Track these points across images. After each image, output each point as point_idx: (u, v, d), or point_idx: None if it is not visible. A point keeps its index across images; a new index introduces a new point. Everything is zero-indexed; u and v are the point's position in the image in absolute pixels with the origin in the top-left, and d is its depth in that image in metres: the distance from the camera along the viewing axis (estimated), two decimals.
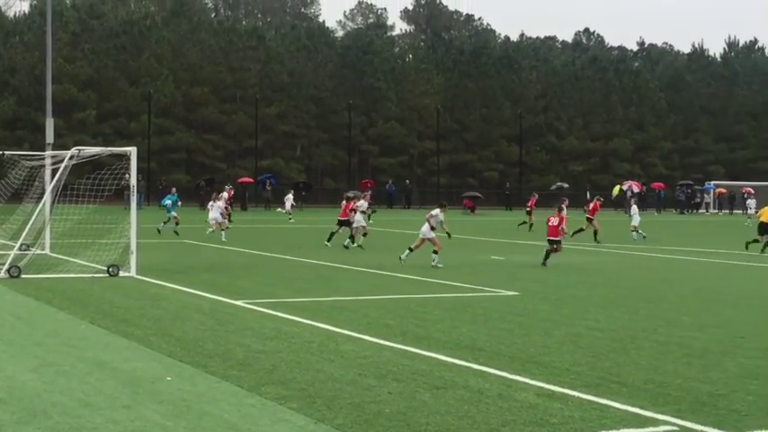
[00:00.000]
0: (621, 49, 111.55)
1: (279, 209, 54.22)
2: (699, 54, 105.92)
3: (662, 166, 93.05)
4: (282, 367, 10.98)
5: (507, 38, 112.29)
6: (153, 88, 74.22)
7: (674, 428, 8.69)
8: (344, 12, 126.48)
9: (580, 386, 10.21)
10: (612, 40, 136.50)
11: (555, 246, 25.87)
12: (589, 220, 37.20)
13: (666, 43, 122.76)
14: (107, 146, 32.38)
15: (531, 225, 43.84)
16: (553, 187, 79.69)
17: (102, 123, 75.46)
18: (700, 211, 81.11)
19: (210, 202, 36.26)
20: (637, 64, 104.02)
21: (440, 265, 24.03)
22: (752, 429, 8.73)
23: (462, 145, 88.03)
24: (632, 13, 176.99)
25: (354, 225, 31.28)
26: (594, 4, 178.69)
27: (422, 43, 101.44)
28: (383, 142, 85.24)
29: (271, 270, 23.39)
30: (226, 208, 42.04)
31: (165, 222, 36.37)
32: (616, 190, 74.15)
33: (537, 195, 50.05)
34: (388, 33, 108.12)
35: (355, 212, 31.55)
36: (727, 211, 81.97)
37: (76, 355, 11.74)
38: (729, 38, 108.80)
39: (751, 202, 62.93)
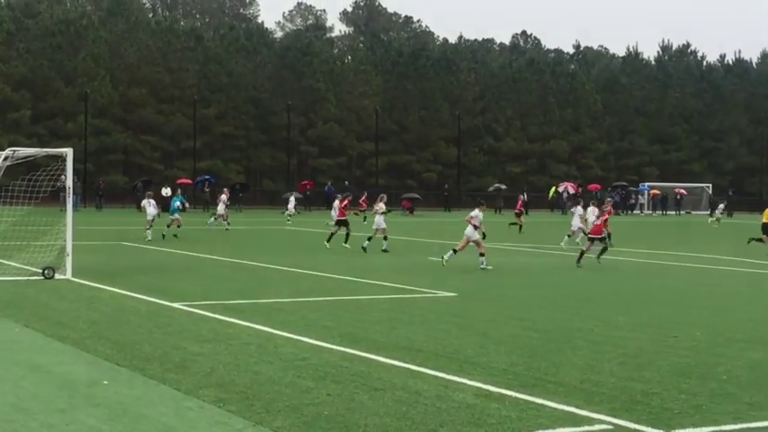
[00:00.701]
0: (558, 51, 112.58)
1: (285, 213, 54.18)
2: (633, 57, 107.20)
3: (598, 168, 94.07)
4: (220, 370, 10.95)
5: (446, 40, 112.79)
6: (89, 88, 73.34)
7: (609, 427, 8.81)
8: (283, 13, 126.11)
9: (517, 386, 10.31)
10: (549, 42, 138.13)
11: (597, 242, 27.33)
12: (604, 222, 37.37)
13: (602, 46, 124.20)
14: (42, 147, 31.99)
15: (520, 226, 44.38)
16: (491, 189, 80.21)
17: (37, 124, 74.38)
18: (634, 212, 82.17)
19: (145, 201, 36.21)
20: (573, 66, 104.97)
21: (489, 267, 24.28)
22: (684, 427, 8.89)
23: (401, 146, 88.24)
24: (568, 16, 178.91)
25: (375, 227, 31.41)
26: (531, 7, 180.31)
27: (361, 45, 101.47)
28: (322, 143, 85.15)
29: (208, 272, 23.28)
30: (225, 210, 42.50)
31: (168, 225, 35.67)
32: (552, 191, 74.88)
33: (523, 196, 50.79)
34: (327, 35, 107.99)
35: (374, 215, 32.02)
36: (661, 212, 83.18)
37: (10, 358, 11.59)
38: (663, 41, 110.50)
39: (721, 206, 63.13)
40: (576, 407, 9.45)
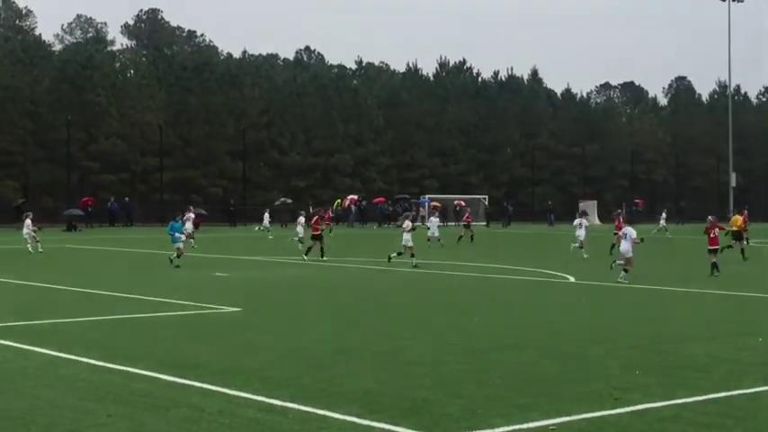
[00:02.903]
0: (341, 67, 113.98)
1: (259, 227, 58.50)
2: (413, 73, 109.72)
3: (381, 181, 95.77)
4: None
5: (230, 55, 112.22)
6: None
7: None
8: (62, 25, 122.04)
9: (301, 398, 10.46)
10: (332, 58, 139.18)
11: (716, 254, 28.46)
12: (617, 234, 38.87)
13: (383, 62, 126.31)
14: None
15: (472, 236, 47.75)
16: (277, 203, 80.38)
17: None
18: (416, 223, 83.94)
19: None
20: (355, 82, 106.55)
21: (625, 281, 25.01)
22: (462, 431, 9.26)
23: (186, 161, 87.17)
24: (350, 32, 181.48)
25: (403, 243, 32.06)
26: (314, 24, 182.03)
27: (143, 58, 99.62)
28: (104, 158, 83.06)
29: None
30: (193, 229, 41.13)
31: (177, 256, 30.79)
32: (336, 205, 75.73)
33: (470, 209, 52.99)
34: (109, 48, 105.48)
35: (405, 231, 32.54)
36: (442, 223, 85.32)
37: None
38: (441, 58, 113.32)
39: (663, 215, 65.08)
40: (358, 416, 9.67)
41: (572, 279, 27.24)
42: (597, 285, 25.45)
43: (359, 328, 16.40)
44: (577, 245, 37.28)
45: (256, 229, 58.98)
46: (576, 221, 38.80)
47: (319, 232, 34.42)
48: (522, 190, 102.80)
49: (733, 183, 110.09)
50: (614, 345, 14.63)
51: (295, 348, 14.07)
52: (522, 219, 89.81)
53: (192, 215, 42.21)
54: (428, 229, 45.72)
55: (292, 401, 10.29)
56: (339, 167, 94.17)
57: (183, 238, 32.47)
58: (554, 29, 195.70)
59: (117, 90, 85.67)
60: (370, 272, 30.15)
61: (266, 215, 59.70)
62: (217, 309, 19.15)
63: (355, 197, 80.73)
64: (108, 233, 59.73)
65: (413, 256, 31.59)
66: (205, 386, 11.11)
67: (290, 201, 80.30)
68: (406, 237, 32.17)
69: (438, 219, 48.12)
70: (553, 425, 9.46)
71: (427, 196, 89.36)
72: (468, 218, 51.58)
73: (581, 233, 37.43)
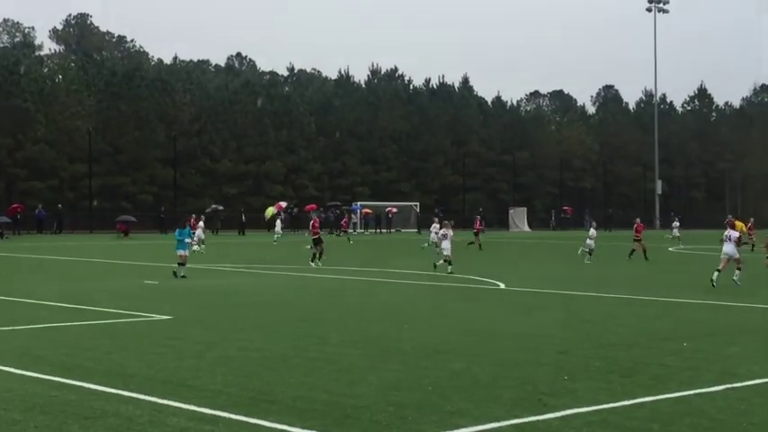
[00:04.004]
0: (273, 73, 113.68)
1: (276, 236, 60.29)
2: (345, 80, 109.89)
3: (312, 188, 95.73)
4: None
5: (161, 60, 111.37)
6: None
7: None
8: None
9: (231, 407, 10.41)
10: (264, 64, 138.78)
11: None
12: (637, 240, 41.49)
13: (315, 69, 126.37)
14: None
15: (479, 245, 49.04)
16: (208, 210, 79.97)
17: None
18: (348, 230, 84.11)
19: None
20: (287, 89, 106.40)
21: (740, 283, 25.98)
22: None
23: (115, 168, 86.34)
24: (282, 39, 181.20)
25: (444, 252, 32.80)
26: (246, 30, 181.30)
27: (72, 64, 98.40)
28: (32, 165, 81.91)
29: None
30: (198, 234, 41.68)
31: (180, 264, 29.35)
32: (269, 212, 75.46)
33: (480, 217, 55.60)
34: (37, 53, 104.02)
35: (444, 238, 33.15)
36: (375, 231, 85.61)
37: None
38: (372, 65, 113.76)
39: (676, 224, 65.63)
40: (289, 424, 9.65)
41: (502, 286, 27.45)
42: (527, 292, 25.69)
43: (290, 336, 16.33)
44: (585, 250, 39.69)
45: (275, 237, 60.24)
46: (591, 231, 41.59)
47: (318, 236, 36.60)
48: (453, 197, 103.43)
49: (659, 190, 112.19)
50: (543, 351, 14.78)
51: (225, 356, 13.99)
52: (453, 226, 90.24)
53: (203, 223, 43.87)
54: (431, 233, 47.03)
55: (222, 410, 10.24)
56: (271, 174, 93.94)
57: (194, 244, 32.05)
58: (485, 37, 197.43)
59: (45, 96, 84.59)
60: (304, 279, 30.05)
61: (278, 222, 61.91)
62: (146, 317, 18.97)
63: (283, 204, 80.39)
64: (36, 240, 58.84)
65: (449, 263, 32.24)
66: (134, 395, 11.01)
67: (221, 208, 79.88)
68: (445, 244, 32.91)
69: (437, 224, 48.13)
70: (483, 431, 9.54)
71: (359, 203, 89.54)
72: (477, 225, 52.37)
73: (590, 240, 39.86)
